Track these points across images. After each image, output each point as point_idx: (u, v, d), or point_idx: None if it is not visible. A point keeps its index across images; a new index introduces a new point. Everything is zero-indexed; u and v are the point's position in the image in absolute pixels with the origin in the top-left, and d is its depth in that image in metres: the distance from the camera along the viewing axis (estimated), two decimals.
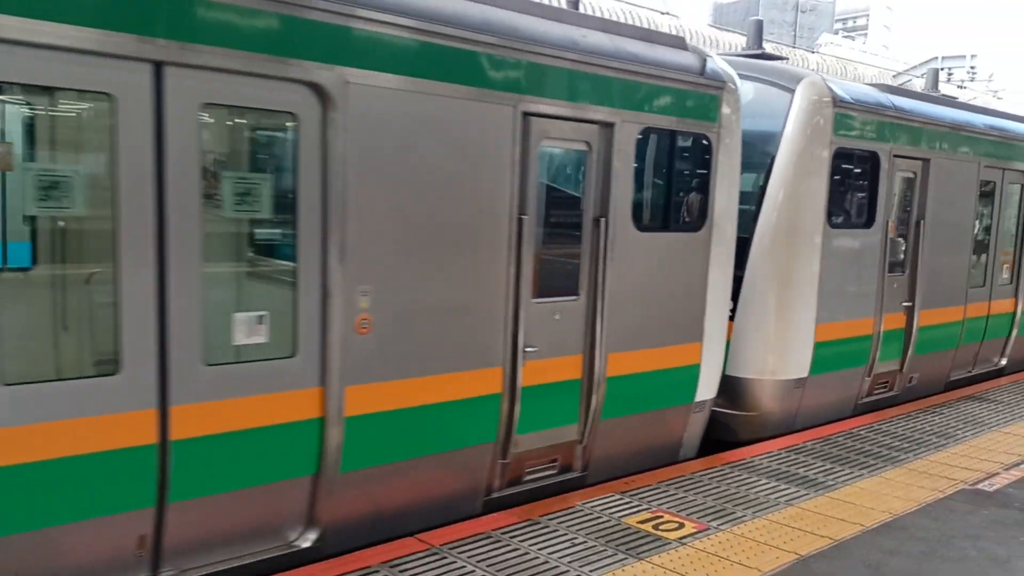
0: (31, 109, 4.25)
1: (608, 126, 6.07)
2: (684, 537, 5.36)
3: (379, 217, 4.92)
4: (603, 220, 6.10)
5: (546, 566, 4.87)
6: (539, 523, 5.48)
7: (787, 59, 14.60)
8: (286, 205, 4.70)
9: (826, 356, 8.12)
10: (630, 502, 5.92)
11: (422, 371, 5.23)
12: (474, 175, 5.36)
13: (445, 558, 4.90)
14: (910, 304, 9.24)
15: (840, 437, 7.84)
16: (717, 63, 6.97)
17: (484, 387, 5.57)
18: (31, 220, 4.12)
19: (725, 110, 6.85)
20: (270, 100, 4.50)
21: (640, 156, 6.43)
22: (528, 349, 5.75)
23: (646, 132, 6.39)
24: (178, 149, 4.15)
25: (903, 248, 9.07)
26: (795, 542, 5.35)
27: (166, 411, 4.22)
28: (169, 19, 4.05)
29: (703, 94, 6.70)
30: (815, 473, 6.75)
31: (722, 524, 5.61)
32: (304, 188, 4.63)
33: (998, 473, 6.94)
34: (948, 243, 9.76)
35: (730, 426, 7.85)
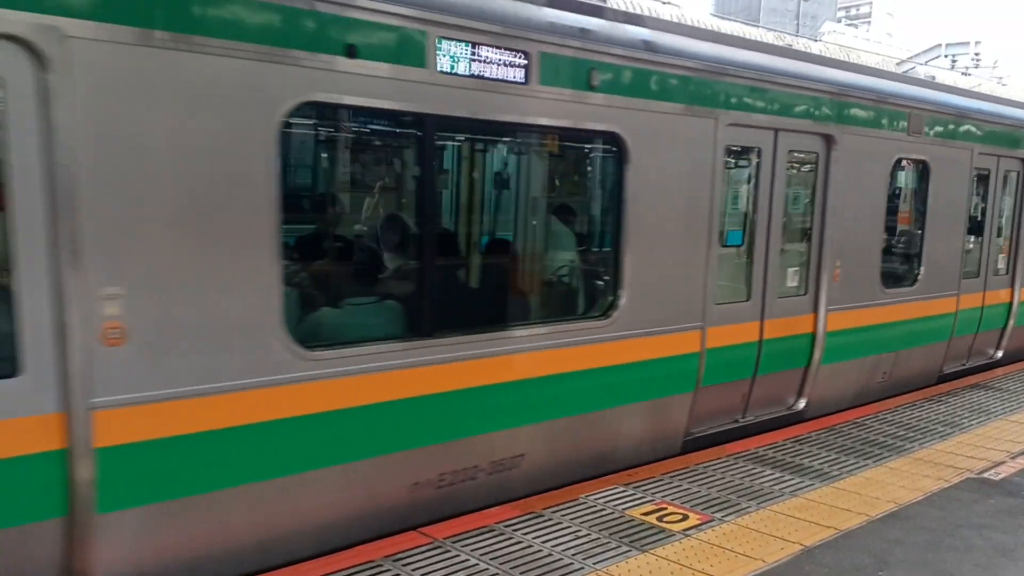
0: None
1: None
2: (688, 529, 5.34)
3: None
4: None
5: (549, 559, 4.86)
6: (542, 516, 5.47)
7: None
8: None
9: None
10: (634, 494, 5.90)
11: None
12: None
13: (448, 551, 4.89)
14: None
15: (846, 427, 7.81)
16: None
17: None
18: None
19: None
20: None
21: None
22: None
23: None
24: None
25: None
26: (800, 533, 5.33)
27: None
28: None
29: None
30: (820, 463, 6.73)
31: (726, 515, 5.59)
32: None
33: (1004, 462, 6.91)
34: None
35: None
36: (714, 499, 5.87)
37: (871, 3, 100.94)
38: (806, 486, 6.20)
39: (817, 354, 7.95)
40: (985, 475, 6.57)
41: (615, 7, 6.52)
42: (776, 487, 6.16)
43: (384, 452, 5.07)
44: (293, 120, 4.67)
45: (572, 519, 5.43)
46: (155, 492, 4.25)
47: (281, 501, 4.71)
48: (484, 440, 5.53)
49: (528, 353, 5.64)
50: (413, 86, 4.87)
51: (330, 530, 4.97)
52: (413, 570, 4.65)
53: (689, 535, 5.26)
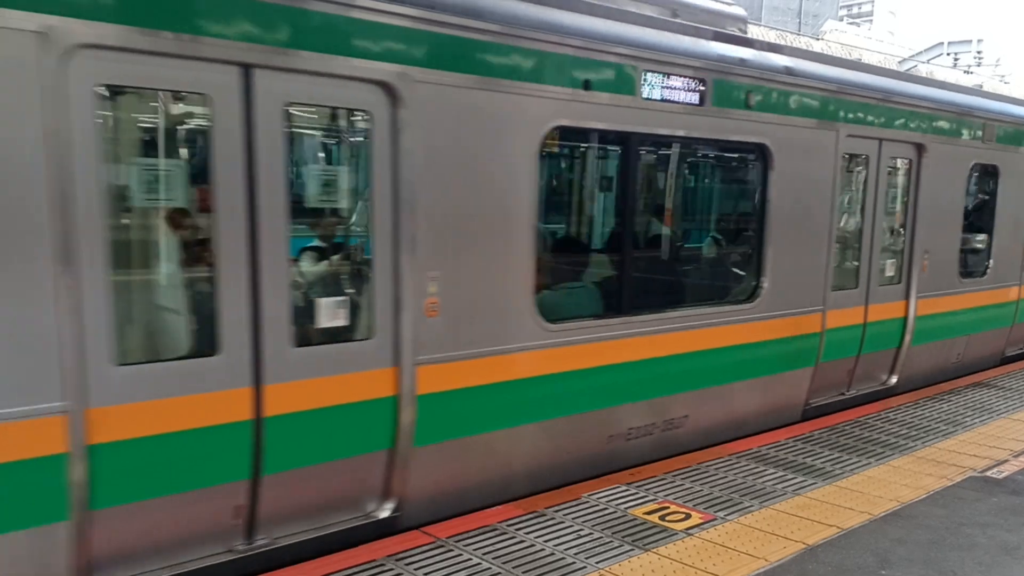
0: None
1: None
2: (691, 528, 5.34)
3: None
4: None
5: (552, 558, 4.86)
6: (544, 515, 5.47)
7: None
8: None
9: None
10: (636, 493, 5.90)
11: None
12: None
13: (451, 551, 4.89)
14: None
15: (848, 426, 7.80)
16: None
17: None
18: None
19: None
20: None
21: None
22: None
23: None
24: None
25: None
26: (802, 531, 5.33)
27: None
28: None
29: None
30: (823, 462, 6.73)
31: (729, 514, 5.59)
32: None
33: (1007, 460, 6.90)
34: None
35: None
36: (717, 498, 5.87)
37: (873, 1, 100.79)
38: (809, 485, 6.20)
39: (908, 336, 9.08)
40: (988, 473, 6.57)
41: (760, 39, 8.03)
42: (779, 486, 6.16)
43: (594, 408, 6.23)
44: (547, 140, 5.76)
45: (574, 518, 5.43)
46: (454, 431, 5.42)
47: (526, 443, 5.88)
48: (661, 402, 6.72)
49: (694, 331, 6.81)
50: (625, 110, 6.07)
51: (554, 470, 6.12)
52: (416, 569, 4.66)
53: (692, 534, 5.26)
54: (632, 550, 4.99)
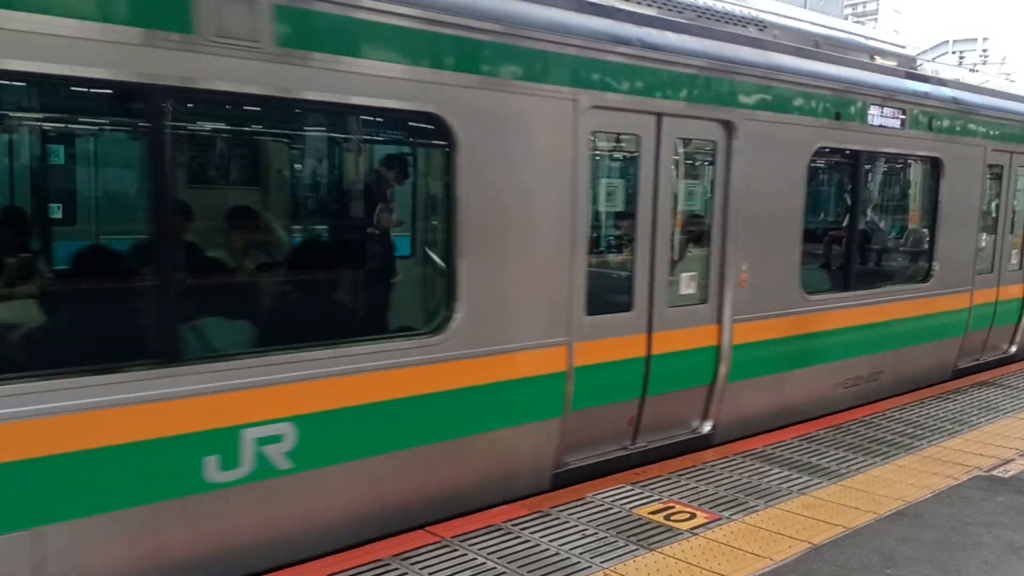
0: None
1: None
2: (696, 527, 5.34)
3: None
4: None
5: (557, 558, 4.86)
6: (549, 515, 5.47)
7: None
8: None
9: None
10: (641, 493, 5.90)
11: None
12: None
13: (456, 550, 4.90)
14: None
15: (854, 425, 7.80)
16: None
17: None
18: None
19: None
20: None
21: None
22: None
23: None
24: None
25: None
26: (807, 531, 5.32)
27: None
28: None
29: None
30: (828, 462, 6.72)
31: (734, 514, 5.59)
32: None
33: (1013, 459, 6.88)
34: None
35: None
36: (722, 497, 5.87)
37: (878, 0, 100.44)
38: (814, 484, 6.19)
39: None
40: (994, 472, 6.55)
41: (932, 74, 10.73)
42: (784, 485, 6.15)
43: (833, 360, 8.21)
44: (812, 158, 7.68)
45: (579, 518, 5.43)
46: (753, 372, 7.30)
47: (789, 384, 7.81)
48: (869, 359, 8.66)
49: (885, 304, 8.71)
50: (858, 134, 8.13)
51: (809, 404, 8.07)
52: (421, 568, 4.66)
53: (697, 533, 5.25)
54: (637, 550, 5.00)
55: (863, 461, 6.75)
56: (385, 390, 4.93)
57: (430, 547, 4.92)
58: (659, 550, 4.99)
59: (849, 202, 8.71)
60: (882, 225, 10.27)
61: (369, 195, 6.09)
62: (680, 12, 6.92)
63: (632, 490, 5.95)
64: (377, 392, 4.90)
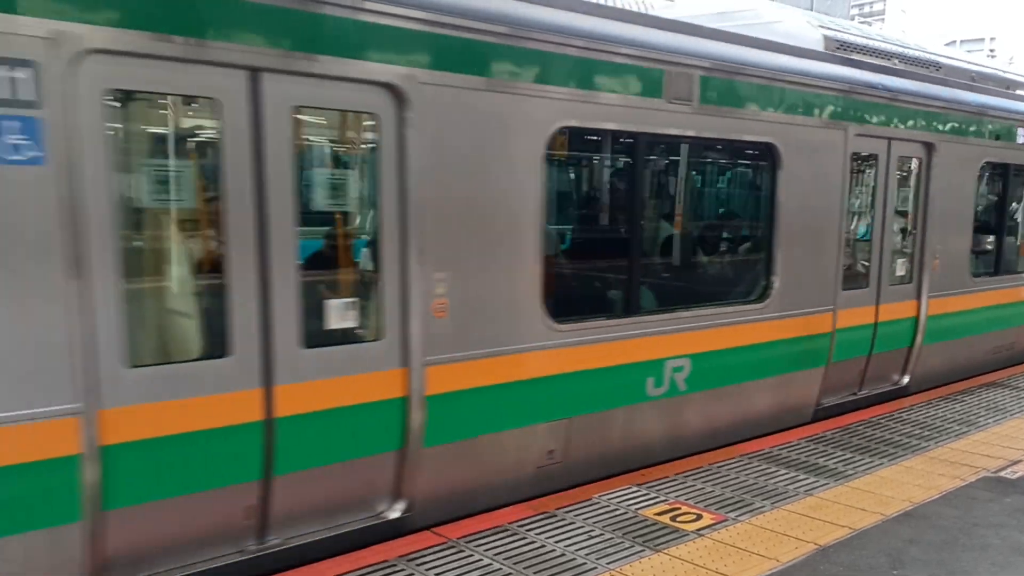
0: None
1: None
2: (702, 529, 5.34)
3: None
4: None
5: (563, 559, 4.87)
6: (555, 516, 5.48)
7: None
8: None
9: None
10: (647, 494, 5.90)
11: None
12: None
13: (462, 551, 4.91)
14: None
15: (860, 426, 7.78)
16: None
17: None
18: None
19: None
20: None
21: None
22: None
23: None
24: None
25: None
26: (814, 532, 5.32)
27: None
28: None
29: None
30: (835, 463, 6.71)
31: (740, 515, 5.58)
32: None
33: (1021, 460, 6.86)
34: None
35: None
36: (728, 499, 5.87)
37: (885, 0, 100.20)
38: (820, 485, 6.18)
39: None
40: (1002, 474, 6.53)
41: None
42: (790, 486, 6.14)
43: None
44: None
45: (585, 519, 5.44)
46: (937, 338, 9.31)
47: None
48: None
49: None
50: (1015, 152, 10.19)
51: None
52: (427, 569, 4.68)
53: (703, 535, 5.25)
54: (643, 551, 5.00)
55: (870, 462, 6.74)
56: (733, 339, 7.05)
57: (436, 548, 4.93)
58: (665, 551, 4.99)
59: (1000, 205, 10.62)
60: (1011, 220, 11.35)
61: (744, 201, 8.90)
62: (889, 59, 8.92)
63: (638, 491, 5.95)
64: (730, 340, 7.04)
